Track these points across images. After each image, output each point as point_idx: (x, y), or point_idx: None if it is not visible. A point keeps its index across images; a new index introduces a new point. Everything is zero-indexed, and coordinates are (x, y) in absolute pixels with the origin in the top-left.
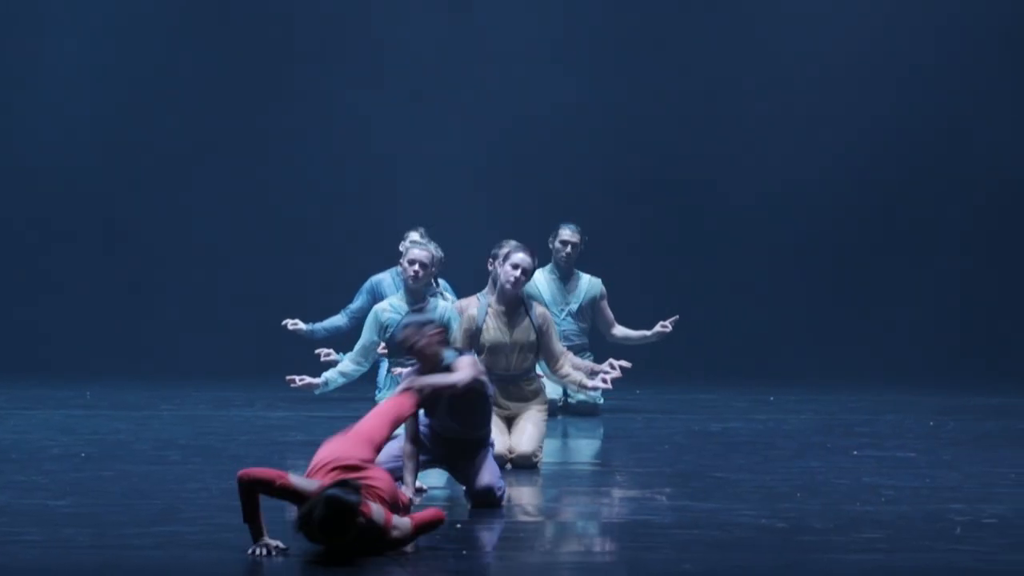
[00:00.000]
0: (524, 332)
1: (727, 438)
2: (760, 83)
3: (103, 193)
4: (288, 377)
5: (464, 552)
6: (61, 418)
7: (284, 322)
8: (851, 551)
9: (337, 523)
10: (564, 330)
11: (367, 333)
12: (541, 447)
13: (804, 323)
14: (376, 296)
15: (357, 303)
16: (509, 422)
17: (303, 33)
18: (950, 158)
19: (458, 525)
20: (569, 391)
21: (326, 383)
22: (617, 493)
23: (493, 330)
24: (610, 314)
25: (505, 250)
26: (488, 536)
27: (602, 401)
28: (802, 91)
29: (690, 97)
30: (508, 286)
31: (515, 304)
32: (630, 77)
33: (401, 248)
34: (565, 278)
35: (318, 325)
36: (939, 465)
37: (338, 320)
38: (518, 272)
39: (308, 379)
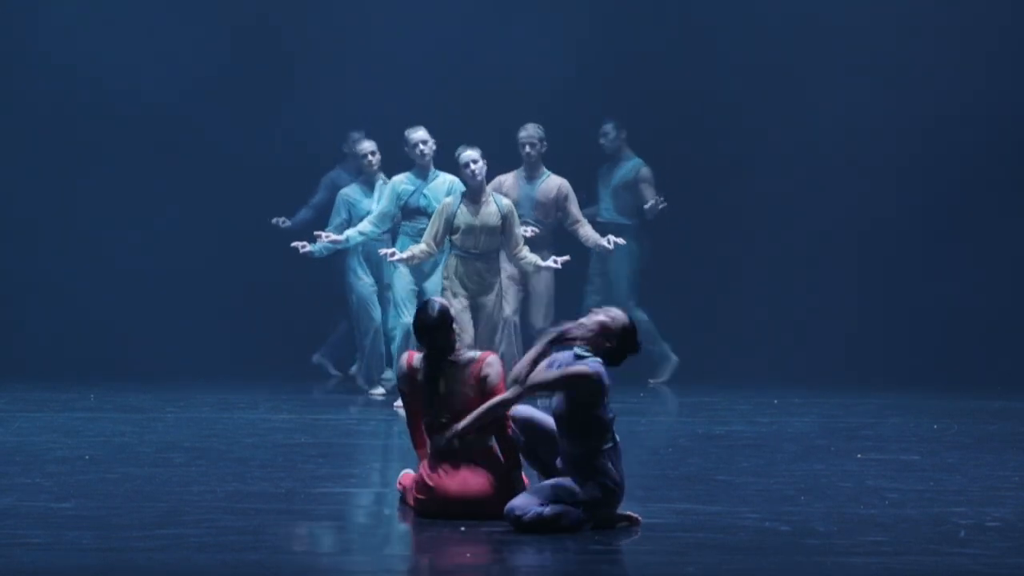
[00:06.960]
0: (491, 217)
1: (731, 441)
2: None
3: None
4: (316, 232)
5: (468, 555)
6: (65, 420)
7: (273, 220)
8: (855, 554)
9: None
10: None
11: (385, 202)
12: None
13: (807, 325)
14: (335, 187)
15: (317, 197)
16: (473, 312)
17: None
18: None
19: (462, 528)
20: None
21: (347, 240)
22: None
23: (464, 215)
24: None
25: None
26: (491, 538)
27: None
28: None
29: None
30: (469, 179)
31: (479, 194)
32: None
33: (352, 149)
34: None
35: (295, 218)
36: (943, 468)
37: (305, 214)
38: (473, 165)
39: (333, 235)
